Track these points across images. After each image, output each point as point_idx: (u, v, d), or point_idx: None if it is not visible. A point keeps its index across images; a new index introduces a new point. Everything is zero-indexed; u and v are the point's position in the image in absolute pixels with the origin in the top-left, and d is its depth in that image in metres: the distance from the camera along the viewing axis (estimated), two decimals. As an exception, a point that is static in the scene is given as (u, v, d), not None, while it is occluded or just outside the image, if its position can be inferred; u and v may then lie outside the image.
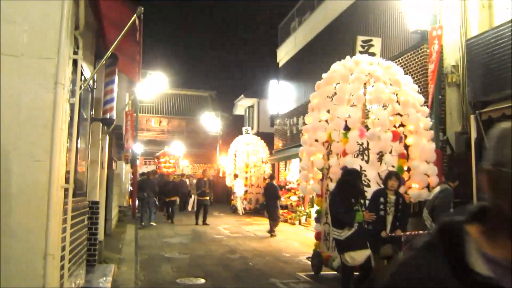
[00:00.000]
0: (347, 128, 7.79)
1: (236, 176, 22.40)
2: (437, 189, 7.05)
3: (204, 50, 74.77)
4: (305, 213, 16.72)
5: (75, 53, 4.62)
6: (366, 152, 7.73)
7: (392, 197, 6.71)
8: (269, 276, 8.19)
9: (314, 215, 15.75)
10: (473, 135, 8.38)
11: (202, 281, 7.82)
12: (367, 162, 7.70)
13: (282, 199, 18.83)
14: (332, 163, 7.91)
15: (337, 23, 15.81)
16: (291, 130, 19.71)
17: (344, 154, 7.64)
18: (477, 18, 8.62)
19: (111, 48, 5.02)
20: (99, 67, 5.25)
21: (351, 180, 6.42)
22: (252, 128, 26.29)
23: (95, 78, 6.73)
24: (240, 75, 61.90)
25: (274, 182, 15.79)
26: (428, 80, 9.32)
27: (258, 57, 61.44)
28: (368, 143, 7.75)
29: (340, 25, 15.47)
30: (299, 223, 16.66)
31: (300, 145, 17.29)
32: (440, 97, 9.19)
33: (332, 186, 7.67)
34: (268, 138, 23.61)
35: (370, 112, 8.19)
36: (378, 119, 7.79)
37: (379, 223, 6.46)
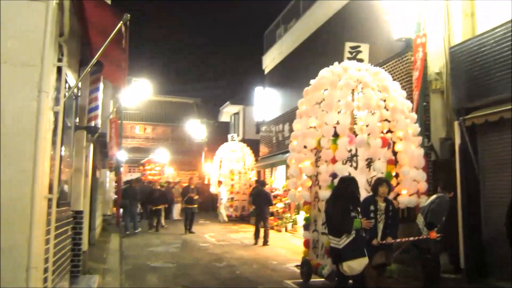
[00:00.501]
0: (336, 135, 7.75)
1: (220, 183, 22.30)
2: (434, 196, 7.07)
3: (189, 57, 74.69)
4: (291, 220, 16.70)
5: (60, 60, 4.55)
6: (354, 158, 7.73)
7: (382, 204, 6.63)
8: (256, 284, 8.14)
9: (300, 222, 15.78)
10: (457, 141, 8.48)
11: (189, 290, 7.74)
12: (355, 168, 7.66)
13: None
14: (321, 170, 7.83)
15: (322, 30, 15.91)
16: (277, 137, 19.73)
17: (333, 161, 7.60)
18: (461, 26, 8.72)
19: (97, 56, 4.95)
20: (84, 74, 5.18)
21: (347, 187, 6.30)
22: (238, 135, 26.25)
23: (80, 85, 6.64)
24: (226, 82, 61.95)
25: (265, 188, 15.37)
26: (413, 87, 9.41)
27: (243, 64, 61.61)
28: (356, 150, 7.73)
29: (326, 32, 15.56)
30: (286, 230, 16.62)
31: (286, 152, 17.33)
32: (424, 103, 9.27)
33: (321, 193, 7.63)
34: (253, 145, 23.60)
35: (358, 119, 8.15)
36: (367, 125, 7.77)
37: (370, 231, 6.37)
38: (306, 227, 8.65)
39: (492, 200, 8.08)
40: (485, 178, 8.23)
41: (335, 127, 7.75)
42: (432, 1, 9.32)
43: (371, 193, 6.95)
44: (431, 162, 9.18)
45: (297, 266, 8.79)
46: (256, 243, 13.34)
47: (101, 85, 7.22)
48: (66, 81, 5.28)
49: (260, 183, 15.34)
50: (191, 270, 9.42)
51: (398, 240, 6.73)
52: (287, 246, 13.23)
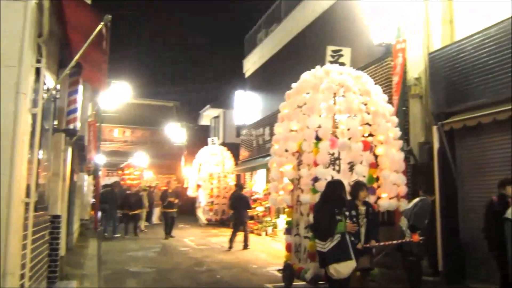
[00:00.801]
0: (317, 138, 7.69)
1: (198, 186, 22.14)
2: (416, 199, 7.13)
3: (169, 60, 74.22)
4: (272, 224, 16.68)
5: (38, 61, 4.46)
6: (337, 162, 7.70)
7: (362, 208, 6.58)
8: (237, 289, 8.10)
9: (280, 226, 15.77)
10: (436, 145, 8.60)
11: (169, 295, 7.65)
12: (338, 172, 7.64)
13: (248, 209, 18.76)
14: (302, 174, 7.76)
15: (303, 34, 15.99)
16: (257, 141, 19.71)
17: (316, 164, 7.52)
18: (440, 32, 8.86)
19: (76, 57, 4.87)
20: (63, 76, 5.09)
21: (334, 191, 6.18)
22: (218, 139, 26.16)
23: (59, 87, 6.52)
24: (206, 85, 61.69)
25: (244, 192, 15.16)
26: (392, 91, 9.49)
27: (224, 68, 61.48)
28: (339, 153, 7.71)
29: (307, 36, 15.65)
30: (266, 234, 16.60)
31: (267, 156, 17.32)
32: (403, 108, 9.35)
33: (303, 197, 7.61)
34: (234, 149, 23.54)
35: (339, 122, 8.15)
36: (348, 129, 7.77)
37: (354, 236, 6.25)
38: (288, 231, 8.54)
39: (469, 204, 8.21)
40: (463, 182, 8.36)
41: (316, 131, 7.69)
42: (412, 8, 9.43)
43: (350, 198, 6.86)
44: (410, 166, 9.26)
45: (279, 270, 8.66)
46: (231, 248, 12.98)
47: (81, 88, 7.10)
48: (45, 83, 5.18)
49: (239, 186, 15.18)
50: (171, 275, 9.32)
51: (382, 243, 6.70)
52: (267, 250, 13.21)
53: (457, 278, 8.07)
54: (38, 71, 4.50)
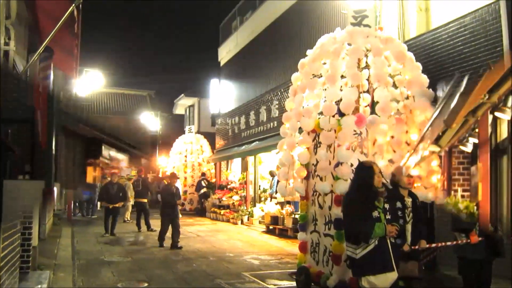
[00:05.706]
0: (339, 114, 6.34)
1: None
2: None
3: (143, 49, 73.21)
4: (247, 213, 16.72)
5: (6, 44, 4.28)
6: (364, 143, 6.31)
7: (408, 200, 5.29)
8: (214, 277, 8.04)
9: (256, 215, 15.81)
10: (412, 134, 8.63)
11: (145, 284, 7.56)
12: (365, 155, 6.24)
13: (224, 198, 18.73)
14: (320, 157, 6.51)
15: (278, 23, 15.93)
16: (233, 130, 19.66)
17: (337, 145, 6.20)
18: (415, 21, 8.92)
19: (46, 40, 4.71)
20: (33, 60, 4.91)
21: (365, 178, 4.71)
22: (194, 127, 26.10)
23: (28, 73, 6.31)
24: (180, 74, 61.15)
25: (178, 183, 12.91)
26: (369, 80, 9.48)
27: (198, 56, 60.98)
28: (367, 132, 6.30)
29: (282, 25, 15.59)
30: (242, 223, 16.63)
31: (242, 145, 17.32)
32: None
33: (321, 185, 6.52)
34: (209, 138, 23.53)
35: (362, 99, 6.88)
36: (377, 102, 6.39)
37: (399, 235, 4.90)
38: (302, 227, 7.26)
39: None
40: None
41: (338, 104, 6.35)
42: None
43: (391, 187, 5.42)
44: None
45: (291, 274, 7.48)
46: (161, 245, 11.47)
47: (52, 74, 6.88)
48: (14, 67, 5.00)
49: (171, 175, 12.91)
50: (147, 264, 9.23)
51: (434, 245, 5.45)
52: (243, 238, 13.22)
53: (433, 267, 8.17)
54: (6, 54, 4.33)
